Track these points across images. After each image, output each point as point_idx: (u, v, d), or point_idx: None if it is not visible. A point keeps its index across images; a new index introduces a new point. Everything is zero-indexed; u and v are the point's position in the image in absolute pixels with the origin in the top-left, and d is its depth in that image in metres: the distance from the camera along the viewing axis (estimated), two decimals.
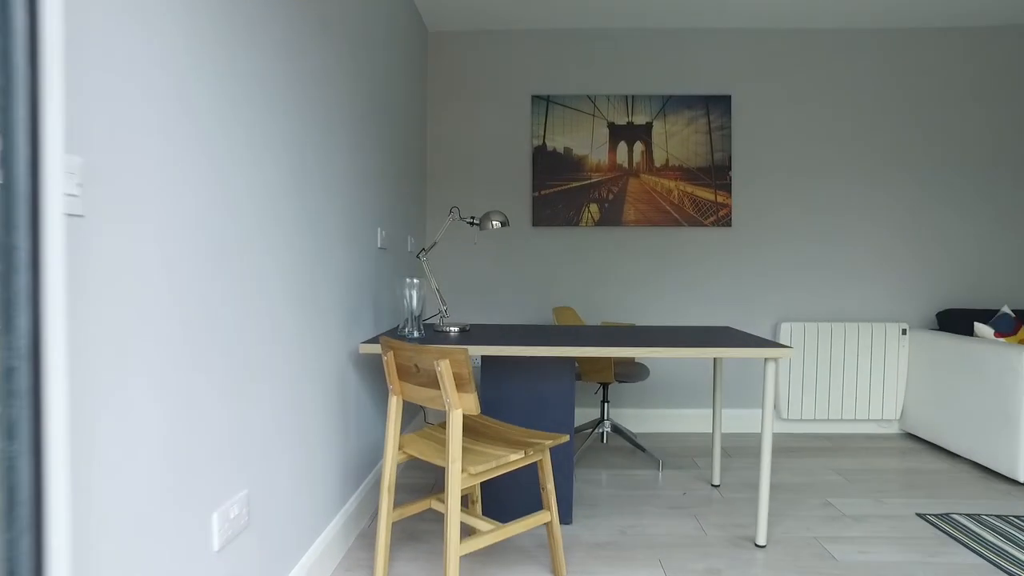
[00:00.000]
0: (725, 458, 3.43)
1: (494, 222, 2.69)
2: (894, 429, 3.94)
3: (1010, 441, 3.06)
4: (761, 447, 2.31)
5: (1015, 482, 3.09)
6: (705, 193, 3.88)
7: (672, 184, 3.88)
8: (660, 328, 2.88)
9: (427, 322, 3.07)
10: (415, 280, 2.50)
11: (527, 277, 3.93)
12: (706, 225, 3.88)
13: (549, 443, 2.04)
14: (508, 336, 2.53)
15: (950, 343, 3.50)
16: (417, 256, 2.78)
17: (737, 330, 2.81)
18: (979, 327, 3.47)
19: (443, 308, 2.76)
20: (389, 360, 2.02)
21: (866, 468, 3.28)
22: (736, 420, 3.93)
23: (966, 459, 3.43)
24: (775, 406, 3.92)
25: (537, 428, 2.57)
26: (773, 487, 3.00)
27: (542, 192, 3.90)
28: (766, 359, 2.28)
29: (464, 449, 2.00)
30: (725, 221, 3.87)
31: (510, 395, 2.56)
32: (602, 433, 3.40)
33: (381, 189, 2.85)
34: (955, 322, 3.72)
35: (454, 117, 3.92)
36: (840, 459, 3.42)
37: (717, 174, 3.87)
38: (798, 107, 3.87)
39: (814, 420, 3.90)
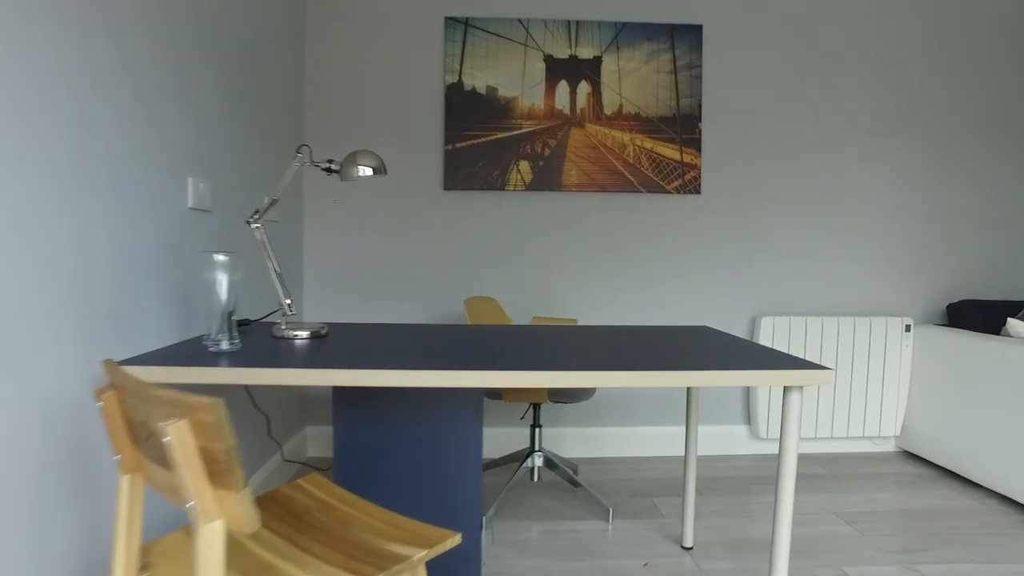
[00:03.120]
0: (696, 497, 2.58)
1: (361, 168, 1.73)
2: (890, 447, 3.20)
3: None
4: (774, 536, 1.45)
5: None
6: (668, 150, 3.01)
7: (626, 137, 2.99)
8: (612, 329, 1.99)
9: (268, 320, 2.09)
10: (222, 257, 1.52)
11: (434, 257, 2.98)
12: (669, 191, 3.01)
13: (421, 556, 1.11)
14: (382, 347, 1.59)
15: (972, 343, 2.76)
16: (247, 222, 1.79)
17: (720, 332, 1.95)
18: (1014, 323, 2.73)
19: (286, 302, 1.79)
20: (108, 405, 1.04)
21: (875, 509, 2.50)
22: (707, 440, 3.11)
23: (992, 491, 2.70)
24: (749, 422, 3.12)
25: (419, 506, 1.65)
26: (761, 544, 2.17)
27: (457, 145, 2.95)
28: (786, 387, 1.41)
29: (260, 570, 1.05)
30: (693, 187, 3.01)
31: (377, 445, 1.62)
32: (532, 468, 2.51)
33: (200, 122, 1.84)
34: (970, 316, 2.98)
35: (342, 43, 2.91)
36: (839, 494, 2.64)
37: (684, 126, 3.00)
38: (788, 43, 3.03)
39: (799, 439, 3.11)
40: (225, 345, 1.52)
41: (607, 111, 2.98)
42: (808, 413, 3.05)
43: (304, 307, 2.95)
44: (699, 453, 3.11)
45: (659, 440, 3.08)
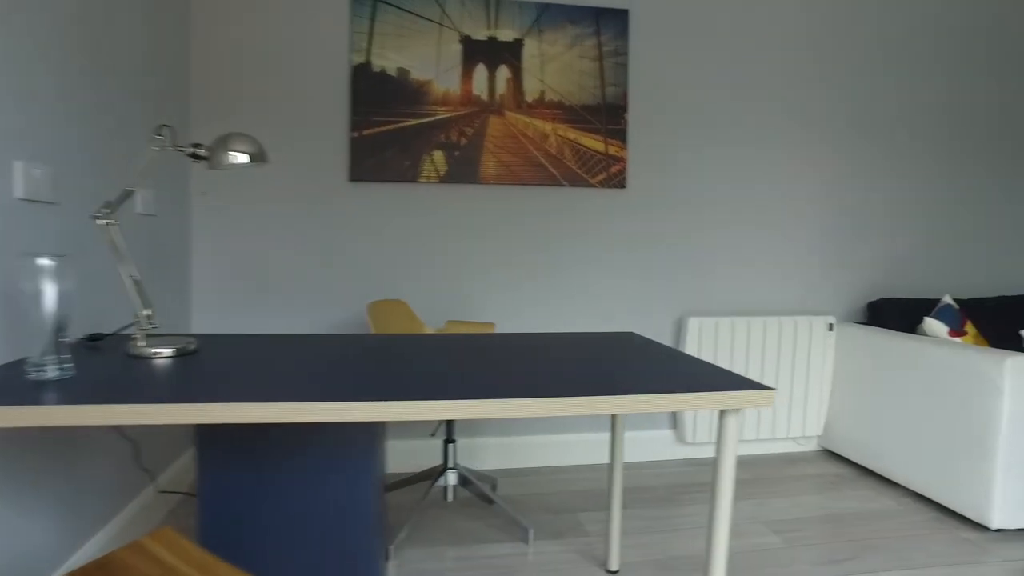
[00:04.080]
0: (622, 512, 2.44)
1: (234, 154, 1.45)
2: (813, 446, 3.18)
3: (980, 476, 2.32)
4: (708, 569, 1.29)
5: (985, 528, 2.37)
6: (593, 142, 2.84)
7: (548, 127, 2.81)
8: (532, 338, 1.80)
9: (126, 332, 1.78)
10: (45, 261, 1.22)
11: (339, 256, 2.71)
12: (593, 185, 2.85)
13: None
14: (260, 367, 1.33)
15: (888, 341, 2.74)
16: (93, 217, 1.48)
17: (648, 341, 1.79)
18: (930, 323, 2.74)
19: (144, 313, 1.50)
20: None
21: (802, 516, 2.43)
22: (632, 446, 2.98)
23: (908, 490, 2.70)
24: (675, 426, 3.02)
25: (305, 556, 1.41)
26: (691, 562, 2.05)
27: (365, 132, 2.68)
28: (723, 411, 1.26)
29: None
30: (618, 181, 2.87)
31: (251, 484, 1.37)
32: (446, 488, 2.30)
33: (34, 95, 1.51)
34: (890, 314, 2.98)
35: (235, 15, 2.58)
36: (765, 500, 2.57)
37: (609, 116, 2.85)
38: (717, 32, 2.92)
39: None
40: (52, 371, 1.23)
41: (528, 98, 2.78)
42: None
43: (192, 315, 2.62)
44: (624, 460, 2.98)
45: (584, 447, 2.93)
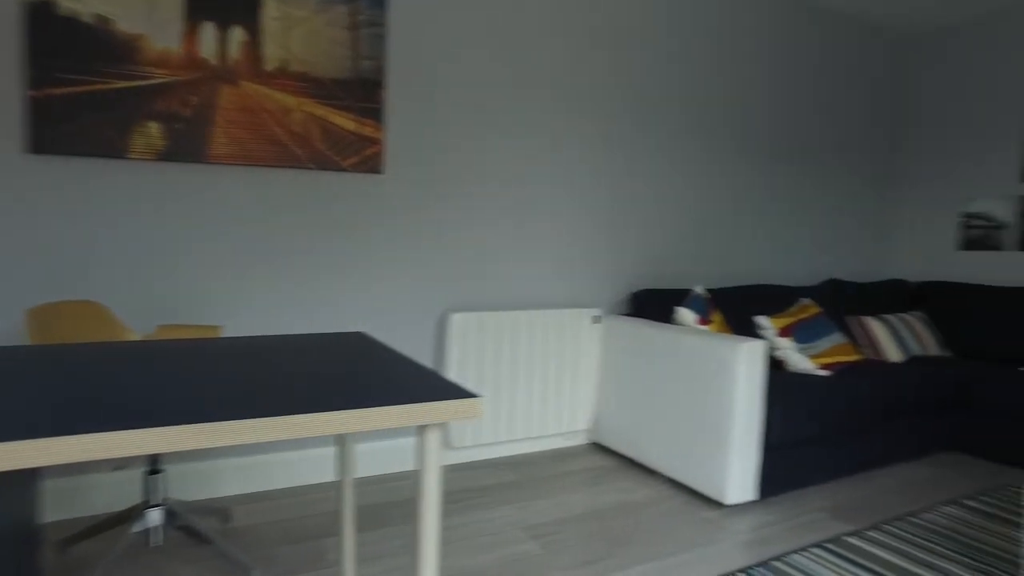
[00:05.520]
0: (369, 532, 2.19)
1: None
2: (582, 440, 3.19)
3: (718, 457, 2.42)
4: None
5: (721, 505, 2.48)
6: (344, 120, 2.55)
7: (293, 101, 2.47)
8: (252, 340, 1.47)
9: None
10: None
11: (12, 248, 2.13)
12: (345, 169, 2.56)
13: None
14: None
15: (645, 332, 2.81)
16: None
17: (374, 342, 1.56)
18: (680, 312, 2.84)
19: None
20: None
21: (563, 516, 2.37)
22: (393, 455, 2.74)
23: (668, 478, 2.78)
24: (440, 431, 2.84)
25: None
26: None
27: (52, 91, 2.14)
28: (422, 427, 1.05)
29: None
30: (373, 165, 2.61)
31: None
32: (149, 529, 1.88)
33: None
34: (650, 305, 3.07)
35: None
36: (529, 503, 2.47)
37: (363, 93, 2.57)
38: (491, 10, 2.77)
39: (494, 444, 2.92)
40: None
41: (268, 67, 2.42)
42: (502, 413, 2.87)
43: None
44: (372, 472, 2.73)
45: (328, 463, 2.63)
